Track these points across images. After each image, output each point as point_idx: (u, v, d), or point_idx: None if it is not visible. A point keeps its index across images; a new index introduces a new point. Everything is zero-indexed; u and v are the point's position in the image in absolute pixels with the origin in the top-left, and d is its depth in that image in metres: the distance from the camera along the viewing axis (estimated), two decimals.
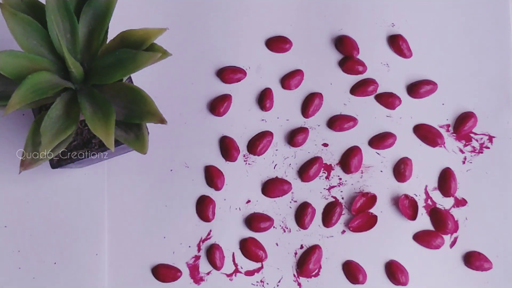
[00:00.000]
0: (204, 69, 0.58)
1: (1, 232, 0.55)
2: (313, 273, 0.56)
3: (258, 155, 0.57)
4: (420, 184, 0.57)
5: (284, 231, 0.56)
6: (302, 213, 0.56)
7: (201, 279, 0.55)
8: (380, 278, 0.56)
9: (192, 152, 0.57)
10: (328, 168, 0.57)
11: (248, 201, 0.56)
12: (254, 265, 0.56)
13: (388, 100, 0.58)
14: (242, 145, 0.57)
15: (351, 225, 0.56)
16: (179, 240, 0.56)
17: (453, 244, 0.56)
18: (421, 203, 0.57)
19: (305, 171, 0.56)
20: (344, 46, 0.58)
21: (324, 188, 0.57)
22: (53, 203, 0.55)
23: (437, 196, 0.57)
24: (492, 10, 0.59)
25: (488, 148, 0.58)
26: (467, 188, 0.57)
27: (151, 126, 0.55)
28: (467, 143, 0.58)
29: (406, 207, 0.56)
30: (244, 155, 0.57)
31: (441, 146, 0.58)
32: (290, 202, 0.57)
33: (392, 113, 0.58)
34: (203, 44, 0.58)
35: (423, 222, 0.57)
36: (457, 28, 0.59)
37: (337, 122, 0.57)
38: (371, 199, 0.56)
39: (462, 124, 0.57)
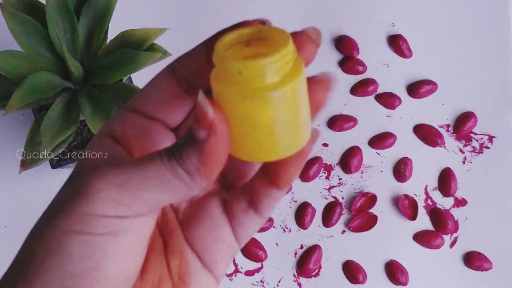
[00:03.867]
0: None
1: (1, 232, 0.55)
2: (313, 273, 0.56)
3: None
4: (420, 184, 0.57)
5: (284, 231, 0.56)
6: (302, 213, 0.56)
7: None
8: (380, 278, 0.56)
9: None
10: (328, 168, 0.57)
11: None
12: (254, 265, 0.56)
13: (388, 100, 0.58)
14: None
15: (351, 225, 0.56)
16: None
17: (453, 244, 0.56)
18: (421, 203, 0.57)
19: (305, 171, 0.56)
20: (344, 46, 0.58)
21: (324, 188, 0.57)
22: None
23: (437, 196, 0.57)
24: (492, 10, 0.59)
25: (488, 148, 0.58)
26: (467, 188, 0.57)
27: None
28: (467, 143, 0.58)
29: (406, 207, 0.56)
30: None
31: (441, 146, 0.58)
32: (290, 202, 0.57)
33: (392, 113, 0.58)
34: None
35: (423, 222, 0.57)
36: (457, 28, 0.59)
37: (337, 122, 0.57)
38: (371, 199, 0.56)
39: (462, 124, 0.57)
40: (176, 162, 0.23)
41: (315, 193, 0.57)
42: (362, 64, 0.58)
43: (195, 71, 0.26)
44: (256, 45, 0.25)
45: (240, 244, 0.27)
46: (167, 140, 0.27)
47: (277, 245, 0.56)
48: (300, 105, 0.24)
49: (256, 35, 0.25)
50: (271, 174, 0.25)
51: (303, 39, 0.25)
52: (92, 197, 0.24)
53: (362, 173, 0.57)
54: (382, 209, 0.57)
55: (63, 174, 0.56)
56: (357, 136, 0.57)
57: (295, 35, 0.25)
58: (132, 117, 0.26)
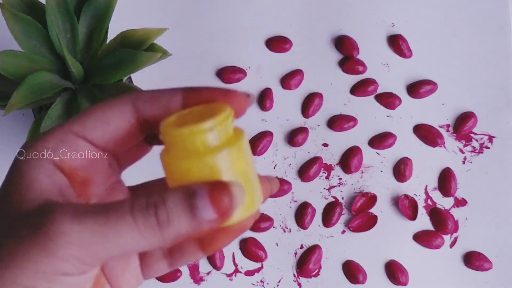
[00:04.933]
0: (204, 69, 0.58)
1: None
2: (313, 273, 0.56)
3: (258, 155, 0.57)
4: (420, 184, 0.57)
5: (284, 231, 0.56)
6: (302, 213, 0.56)
7: (201, 279, 0.55)
8: (380, 278, 0.56)
9: None
10: (328, 168, 0.57)
11: None
12: (254, 265, 0.56)
13: (388, 100, 0.58)
14: None
15: (351, 225, 0.56)
16: None
17: (453, 244, 0.56)
18: (421, 203, 0.57)
19: (305, 171, 0.56)
20: (344, 46, 0.58)
21: (324, 188, 0.57)
22: None
23: (437, 196, 0.57)
24: (492, 10, 0.59)
25: (488, 148, 0.58)
26: (467, 188, 0.57)
27: None
28: (467, 143, 0.58)
29: (406, 207, 0.56)
30: None
31: (441, 146, 0.58)
32: (290, 202, 0.57)
33: (392, 113, 0.58)
34: (203, 44, 0.58)
35: (423, 222, 0.57)
36: (457, 28, 0.59)
37: (337, 122, 0.57)
38: (371, 199, 0.56)
39: (462, 124, 0.57)
40: (154, 220, 0.23)
41: (315, 193, 0.57)
42: (362, 64, 0.58)
43: (160, 116, 0.26)
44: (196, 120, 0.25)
45: (144, 278, 0.28)
46: (111, 175, 0.28)
47: (277, 245, 0.56)
48: (240, 170, 0.25)
49: (200, 113, 0.25)
50: (205, 240, 0.26)
51: (235, 96, 0.27)
52: (55, 255, 0.23)
53: (362, 173, 0.57)
54: (382, 209, 0.57)
55: None
56: (357, 136, 0.57)
57: (227, 92, 0.26)
58: (81, 146, 0.26)
